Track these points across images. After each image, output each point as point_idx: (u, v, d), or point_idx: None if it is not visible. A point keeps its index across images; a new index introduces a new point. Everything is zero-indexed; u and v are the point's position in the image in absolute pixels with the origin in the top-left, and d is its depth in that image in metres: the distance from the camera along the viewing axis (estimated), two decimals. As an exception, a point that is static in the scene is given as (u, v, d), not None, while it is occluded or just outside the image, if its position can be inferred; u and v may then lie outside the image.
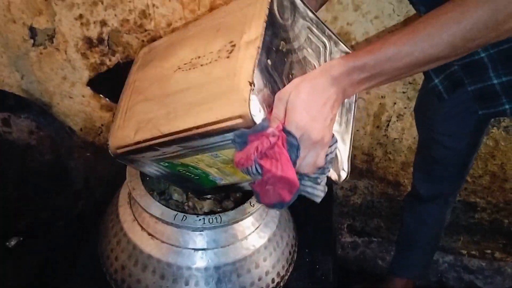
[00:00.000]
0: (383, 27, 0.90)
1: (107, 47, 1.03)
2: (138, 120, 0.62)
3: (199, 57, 0.59)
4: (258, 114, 0.49)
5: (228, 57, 0.54)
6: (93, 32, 1.01)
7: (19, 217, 0.93)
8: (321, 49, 0.61)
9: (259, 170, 0.49)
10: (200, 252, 0.71)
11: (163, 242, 0.71)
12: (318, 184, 0.54)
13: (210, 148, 0.56)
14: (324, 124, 0.50)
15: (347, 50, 0.64)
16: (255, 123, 0.48)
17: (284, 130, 0.49)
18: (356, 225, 1.27)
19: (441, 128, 0.86)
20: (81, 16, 0.99)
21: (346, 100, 0.63)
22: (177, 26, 0.97)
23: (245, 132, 0.49)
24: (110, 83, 1.05)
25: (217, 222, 0.68)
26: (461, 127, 0.83)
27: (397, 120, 1.02)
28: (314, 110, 0.49)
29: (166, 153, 0.60)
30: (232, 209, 0.72)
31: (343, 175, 0.60)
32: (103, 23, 1.00)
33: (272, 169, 0.48)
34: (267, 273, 0.75)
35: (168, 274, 0.71)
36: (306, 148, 0.50)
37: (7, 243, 0.92)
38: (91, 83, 1.09)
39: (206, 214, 0.80)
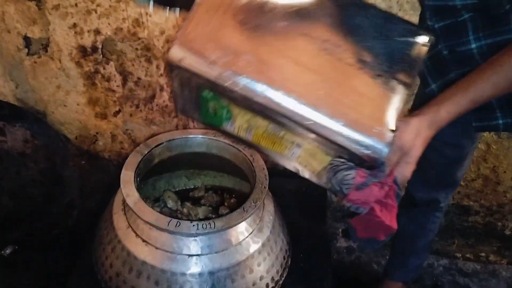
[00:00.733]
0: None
1: (101, 55, 1.04)
2: (248, 58, 0.56)
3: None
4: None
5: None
6: (87, 40, 1.02)
7: (14, 226, 0.93)
8: None
9: (362, 209, 0.52)
10: (194, 258, 0.71)
11: (157, 248, 0.72)
12: None
13: (303, 136, 0.58)
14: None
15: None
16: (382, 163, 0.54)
17: (395, 181, 0.55)
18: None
19: (436, 135, 0.87)
20: (75, 25, 1.00)
21: None
22: (170, 34, 0.98)
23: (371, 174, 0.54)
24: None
25: (210, 227, 0.69)
26: (457, 135, 0.84)
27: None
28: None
29: (251, 105, 0.57)
30: (226, 215, 0.72)
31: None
32: (97, 32, 1.01)
33: (382, 217, 0.54)
34: (261, 278, 0.76)
35: (163, 280, 0.71)
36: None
37: (2, 252, 0.92)
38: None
39: (200, 220, 0.80)
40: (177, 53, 0.58)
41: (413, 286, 1.18)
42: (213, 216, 0.91)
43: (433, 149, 0.89)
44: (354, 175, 0.54)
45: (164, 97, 1.09)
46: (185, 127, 1.13)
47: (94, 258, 0.81)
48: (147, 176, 0.88)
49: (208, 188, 1.00)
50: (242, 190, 0.97)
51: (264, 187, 0.77)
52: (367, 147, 0.54)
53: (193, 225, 0.69)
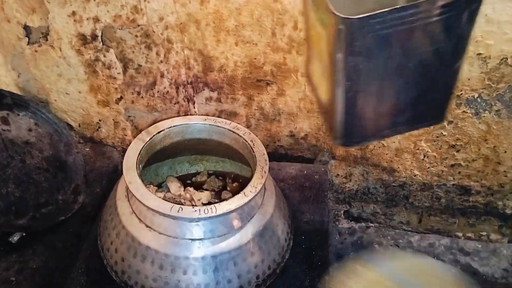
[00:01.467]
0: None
1: (101, 43, 1.04)
2: None
3: None
4: None
5: None
6: (87, 28, 1.02)
7: (21, 213, 0.94)
8: None
9: None
10: (197, 242, 0.73)
11: (160, 233, 0.73)
12: None
13: None
14: None
15: None
16: None
17: None
18: (352, 211, 1.28)
19: None
20: (74, 13, 1.00)
21: None
22: (169, 20, 0.98)
23: None
24: None
25: (212, 212, 0.70)
26: None
27: (389, 107, 1.03)
28: None
29: None
30: (227, 199, 0.73)
31: None
32: (96, 20, 1.01)
33: None
34: (263, 260, 0.78)
35: (167, 264, 0.73)
36: None
37: (10, 239, 0.94)
38: None
39: (203, 205, 0.82)
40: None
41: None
42: (216, 200, 0.92)
43: None
44: None
45: (164, 84, 1.09)
46: (186, 113, 1.14)
47: (99, 244, 0.83)
48: (150, 162, 0.90)
49: (211, 173, 1.02)
50: (244, 175, 0.98)
51: (265, 172, 0.78)
52: None
53: (195, 211, 0.70)
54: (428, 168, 1.14)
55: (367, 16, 0.42)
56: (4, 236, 0.95)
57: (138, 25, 1.01)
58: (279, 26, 0.95)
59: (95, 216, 0.99)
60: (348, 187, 1.23)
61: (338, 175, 1.21)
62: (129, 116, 1.17)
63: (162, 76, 1.08)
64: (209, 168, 1.02)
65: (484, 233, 1.29)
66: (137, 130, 1.20)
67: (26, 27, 1.04)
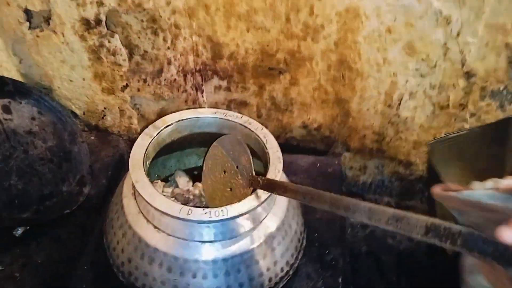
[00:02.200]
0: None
1: (106, 28, 0.99)
2: None
3: None
4: None
5: None
6: (90, 12, 0.97)
7: (24, 206, 0.92)
8: None
9: None
10: (207, 244, 0.70)
11: (169, 235, 0.70)
12: None
13: None
14: None
15: None
16: None
17: None
18: (366, 203, 1.25)
19: None
20: (76, -4, 0.95)
21: None
22: (176, 4, 0.92)
23: None
24: None
25: (223, 215, 0.66)
26: None
27: (409, 98, 0.98)
28: None
29: None
30: (239, 200, 0.70)
31: None
32: (100, 3, 0.96)
33: None
34: (275, 263, 0.74)
35: (175, 267, 0.69)
36: None
37: (14, 232, 0.92)
38: None
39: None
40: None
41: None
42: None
43: None
44: None
45: (172, 71, 1.04)
46: (194, 102, 1.09)
47: (105, 243, 0.79)
48: (157, 155, 0.86)
49: (220, 166, 0.98)
50: (255, 169, 0.94)
51: (278, 171, 0.74)
52: None
53: (205, 213, 0.66)
54: (447, 161, 1.09)
55: None
56: (8, 230, 0.92)
57: (144, 9, 0.95)
58: (293, 12, 0.89)
59: (101, 208, 0.96)
60: (362, 179, 1.19)
61: (352, 167, 1.16)
62: (135, 104, 1.13)
63: (169, 63, 1.03)
64: (219, 161, 0.98)
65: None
66: (143, 119, 1.16)
67: (27, 11, 0.99)
